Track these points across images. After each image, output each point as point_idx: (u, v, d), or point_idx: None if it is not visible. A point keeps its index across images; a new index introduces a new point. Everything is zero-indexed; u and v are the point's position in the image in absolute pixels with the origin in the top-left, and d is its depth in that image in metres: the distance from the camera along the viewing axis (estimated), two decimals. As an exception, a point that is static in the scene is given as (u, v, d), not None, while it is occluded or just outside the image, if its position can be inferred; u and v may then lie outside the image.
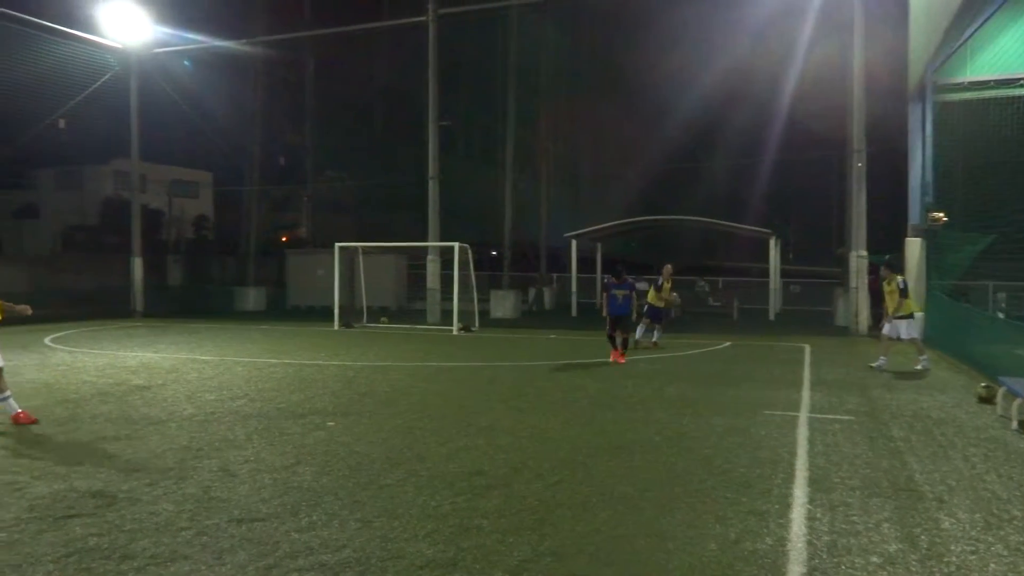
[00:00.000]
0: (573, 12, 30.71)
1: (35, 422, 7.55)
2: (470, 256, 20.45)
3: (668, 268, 15.92)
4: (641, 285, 27.59)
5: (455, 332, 18.94)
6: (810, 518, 4.82)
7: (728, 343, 16.19)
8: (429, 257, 22.64)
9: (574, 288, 26.37)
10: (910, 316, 11.88)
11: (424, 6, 22.47)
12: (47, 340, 16.28)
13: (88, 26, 23.68)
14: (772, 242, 24.75)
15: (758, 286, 27.00)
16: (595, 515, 4.88)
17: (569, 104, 33.72)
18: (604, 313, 13.22)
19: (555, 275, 31.24)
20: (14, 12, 21.38)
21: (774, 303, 24.64)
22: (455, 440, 6.99)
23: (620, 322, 12.97)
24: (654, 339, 15.48)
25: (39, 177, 42.22)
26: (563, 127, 33.60)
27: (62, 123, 26.32)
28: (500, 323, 21.88)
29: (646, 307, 15.57)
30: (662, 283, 15.58)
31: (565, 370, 12.29)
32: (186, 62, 26.70)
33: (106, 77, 24.61)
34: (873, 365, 11.86)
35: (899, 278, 11.86)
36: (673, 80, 31.89)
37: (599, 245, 28.23)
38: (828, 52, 22.21)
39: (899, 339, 11.86)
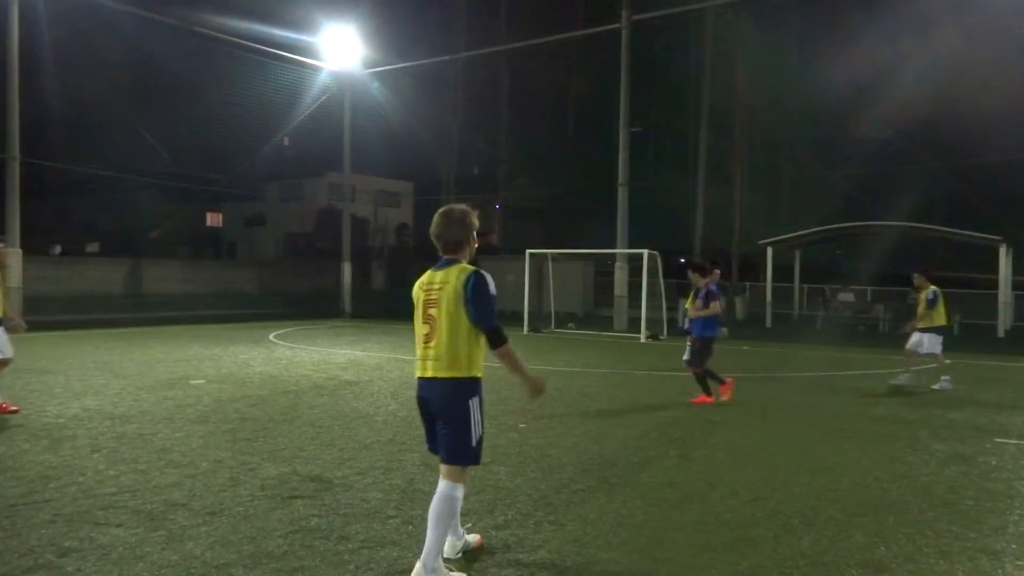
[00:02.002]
0: (771, 9, 29.37)
1: (15, 412, 7.93)
2: (659, 263, 20.17)
3: (716, 272, 13.52)
4: (847, 295, 25.81)
5: (642, 340, 18.73)
6: (1056, 563, 4.25)
7: (948, 361, 14.65)
8: (617, 264, 22.58)
9: (769, 298, 25.15)
10: (936, 330, 10.95)
11: (618, 12, 22.50)
12: (271, 336, 18.07)
13: (308, 52, 26.13)
14: (1002, 250, 22.16)
15: (985, 299, 24.28)
16: (798, 538, 4.61)
17: (767, 105, 32.25)
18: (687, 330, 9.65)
19: (747, 284, 29.98)
20: (250, 43, 24.06)
21: (1004, 318, 22.04)
22: (646, 449, 6.90)
23: (699, 347, 9.42)
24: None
25: (267, 189, 47.09)
26: (760, 129, 32.20)
27: (286, 140, 29.20)
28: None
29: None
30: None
31: (760, 383, 11.75)
32: (375, 84, 28.42)
33: (323, 98, 27.00)
34: (893, 382, 11.00)
35: (931, 288, 10.95)
36: (885, 74, 29.48)
37: (798, 253, 26.72)
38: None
39: (919, 354, 10.99)
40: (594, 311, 27.49)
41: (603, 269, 28.38)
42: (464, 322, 3.84)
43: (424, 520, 4.76)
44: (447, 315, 3.83)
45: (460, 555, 4.19)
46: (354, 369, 12.29)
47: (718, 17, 27.30)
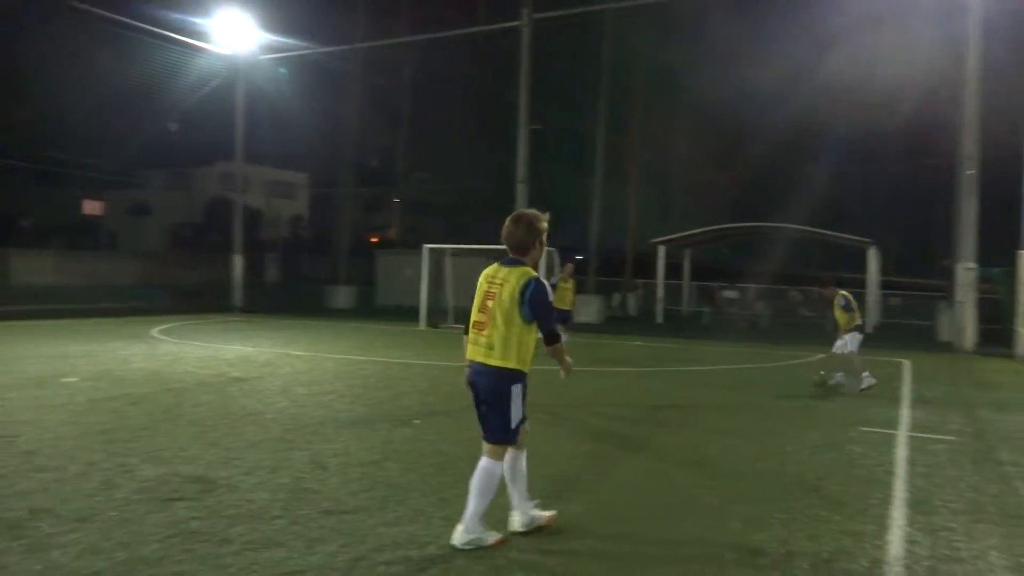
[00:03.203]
0: (668, 16, 30.30)
1: None
2: (557, 260, 20.46)
3: (569, 266, 14.71)
4: (731, 293, 26.99)
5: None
6: (909, 541, 4.60)
7: (821, 355, 15.59)
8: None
9: (660, 295, 26.02)
10: (854, 329, 10.79)
11: (519, 11, 22.64)
12: (155, 331, 17.22)
13: (199, 34, 24.98)
14: (871, 252, 23.76)
15: (855, 297, 25.97)
16: (680, 526, 4.80)
17: (662, 108, 33.25)
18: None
19: (641, 281, 30.88)
20: (135, 22, 22.78)
21: (872, 315, 23.62)
22: (540, 444, 6.97)
23: None
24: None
25: (151, 177, 44.79)
26: (655, 132, 33.18)
27: (174, 126, 27.85)
28: (584, 328, 21.74)
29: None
30: (557, 283, 13.74)
31: (649, 377, 12.15)
32: (281, 70, 27.73)
33: (214, 83, 25.89)
34: (831, 383, 10.58)
35: (841, 294, 10.89)
36: (771, 84, 31.01)
37: (687, 251, 27.74)
38: (940, 52, 21.15)
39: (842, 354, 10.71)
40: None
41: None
42: (516, 320, 4.19)
43: (312, 520, 4.70)
44: (502, 312, 4.19)
45: (527, 529, 4.46)
46: (243, 365, 11.88)
47: (617, 19, 27.90)
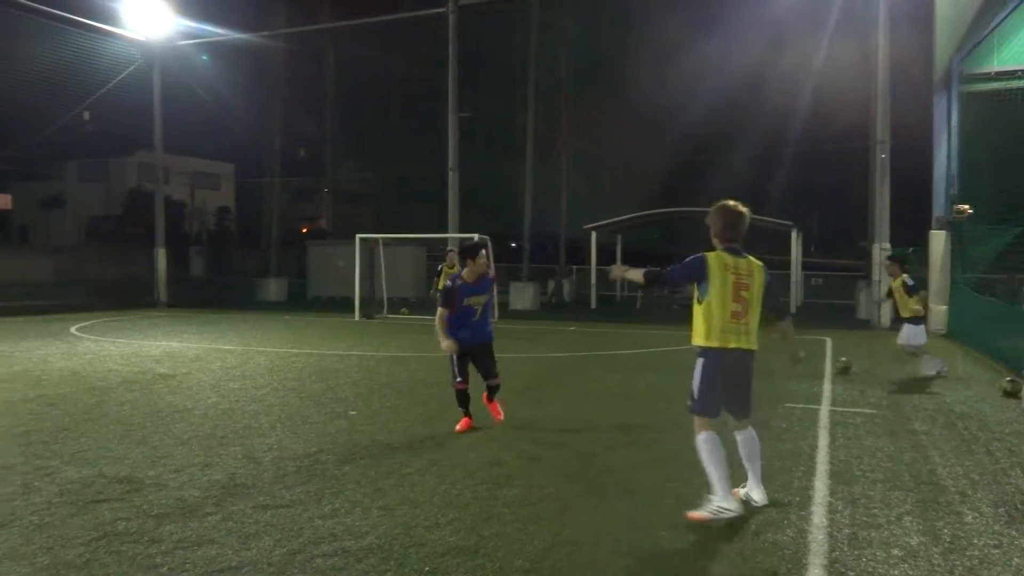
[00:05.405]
0: (594, 2, 30.52)
1: None
2: (490, 248, 20.47)
3: (452, 254, 14.54)
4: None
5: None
6: (831, 511, 4.81)
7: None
8: (449, 249, 22.67)
9: (593, 281, 26.34)
10: (923, 319, 10.33)
11: (445, -3, 22.47)
12: (73, 329, 16.54)
13: (112, 19, 23.93)
14: (794, 234, 24.57)
15: (779, 279, 26.83)
16: (615, 506, 4.90)
17: (591, 95, 33.53)
18: (445, 341, 6.87)
19: (574, 267, 31.17)
20: (42, 6, 21.67)
21: (795, 296, 24.47)
22: (475, 430, 7.03)
23: (484, 355, 7.19)
24: None
25: (65, 168, 42.82)
26: (584, 118, 33.42)
27: (87, 115, 26.64)
28: (519, 315, 21.90)
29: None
30: (443, 268, 13.70)
31: (584, 362, 12.31)
32: (204, 56, 26.90)
33: (130, 70, 24.88)
34: (931, 373, 10.11)
35: (904, 275, 10.10)
36: (696, 71, 31.61)
37: (619, 237, 28.14)
38: (853, 42, 21.93)
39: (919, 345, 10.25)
40: (427, 296, 27.43)
41: (436, 254, 28.39)
42: (761, 306, 4.66)
43: (247, 515, 4.62)
44: (756, 300, 4.61)
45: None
46: (170, 362, 11.53)
47: (544, 5, 27.94)
